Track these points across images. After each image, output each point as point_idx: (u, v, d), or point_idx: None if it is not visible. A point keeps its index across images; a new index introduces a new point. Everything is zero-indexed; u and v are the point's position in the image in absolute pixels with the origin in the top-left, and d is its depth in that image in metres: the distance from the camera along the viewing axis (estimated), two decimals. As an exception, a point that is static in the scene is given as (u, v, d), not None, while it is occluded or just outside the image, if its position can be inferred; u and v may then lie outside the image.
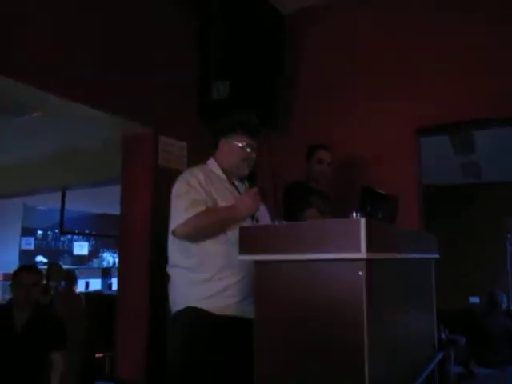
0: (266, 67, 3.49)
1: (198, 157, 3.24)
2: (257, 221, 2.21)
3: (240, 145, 2.28)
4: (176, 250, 2.25)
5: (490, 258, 7.36)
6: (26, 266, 3.31)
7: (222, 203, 2.20)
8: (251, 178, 2.29)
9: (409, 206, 3.14)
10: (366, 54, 3.63)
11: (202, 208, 2.10)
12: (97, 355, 4.63)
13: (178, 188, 2.21)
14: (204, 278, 2.14)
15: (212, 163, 2.37)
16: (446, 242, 3.16)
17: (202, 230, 2.12)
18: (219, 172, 2.33)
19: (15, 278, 3.01)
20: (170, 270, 2.29)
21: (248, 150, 2.29)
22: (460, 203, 7.50)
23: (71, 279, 5.73)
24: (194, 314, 2.11)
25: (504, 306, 5.06)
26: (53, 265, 6.69)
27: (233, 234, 2.08)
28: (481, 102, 3.17)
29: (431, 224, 3.52)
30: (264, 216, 2.39)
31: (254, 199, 2.13)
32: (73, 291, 5.63)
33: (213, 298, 2.11)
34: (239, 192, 2.32)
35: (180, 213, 2.11)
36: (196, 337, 2.09)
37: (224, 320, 2.10)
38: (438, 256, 2.49)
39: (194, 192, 2.15)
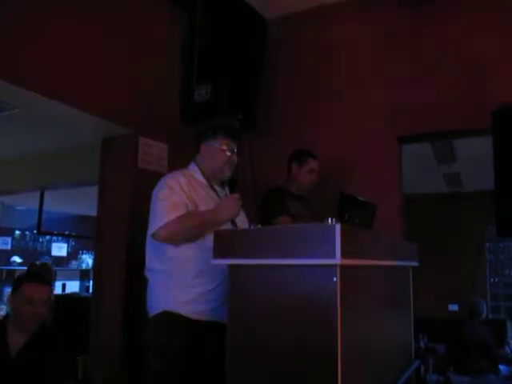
0: (248, 71, 3.48)
1: (178, 159, 3.23)
2: (236, 226, 2.20)
3: (221, 148, 2.29)
4: (153, 254, 2.25)
5: (469, 266, 7.41)
6: (35, 274, 2.64)
7: (202, 207, 2.20)
8: (232, 183, 2.29)
9: (390, 214, 3.14)
10: (346, 62, 3.64)
11: (182, 211, 2.10)
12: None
13: (159, 191, 2.20)
14: (180, 282, 2.14)
15: (193, 167, 2.37)
16: (426, 249, 3.17)
17: (182, 233, 2.12)
18: (200, 176, 2.33)
19: (20, 289, 2.32)
20: (147, 273, 2.29)
21: (229, 152, 2.30)
22: (441, 212, 7.56)
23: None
24: (170, 318, 2.11)
25: (483, 314, 5.10)
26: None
27: (210, 239, 2.06)
28: (460, 111, 3.18)
29: (412, 232, 3.53)
30: (243, 221, 2.38)
31: (236, 203, 2.13)
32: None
33: (189, 303, 2.11)
34: (219, 197, 2.32)
35: (160, 216, 2.10)
36: (172, 340, 2.09)
37: (200, 325, 2.10)
38: (416, 264, 2.49)
39: (174, 195, 2.14)
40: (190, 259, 2.14)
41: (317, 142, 3.38)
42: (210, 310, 2.11)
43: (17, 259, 8.89)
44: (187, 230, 2.11)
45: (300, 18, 3.85)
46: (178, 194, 2.15)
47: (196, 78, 3.39)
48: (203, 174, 2.33)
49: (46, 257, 9.58)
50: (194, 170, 2.35)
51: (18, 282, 2.39)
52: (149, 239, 2.23)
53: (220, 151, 2.29)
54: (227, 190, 2.37)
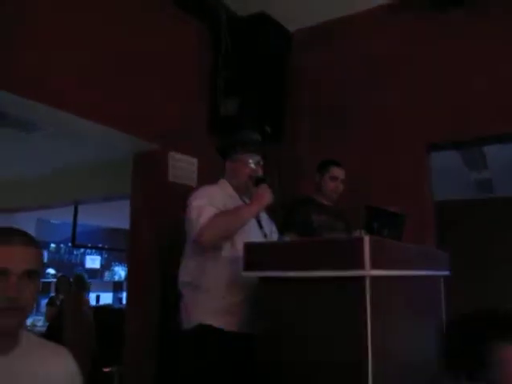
0: (274, 83, 3.51)
1: (208, 172, 3.29)
2: (265, 236, 2.25)
3: (244, 163, 2.36)
4: (184, 267, 2.30)
5: (506, 276, 7.24)
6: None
7: None
8: (259, 180, 2.32)
9: (421, 223, 3.12)
10: (373, 71, 3.63)
11: (214, 212, 2.13)
12: (104, 370, 4.62)
13: (192, 200, 2.24)
14: (212, 295, 2.17)
15: (223, 182, 2.43)
16: (459, 257, 3.12)
17: (221, 229, 2.14)
18: (231, 190, 2.39)
19: None
20: (180, 287, 2.33)
21: (252, 166, 2.34)
22: (474, 218, 7.41)
23: (79, 284, 5.72)
24: (204, 331, 2.14)
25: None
26: (61, 277, 6.74)
27: (240, 251, 2.10)
28: (491, 117, 3.15)
29: (446, 240, 3.48)
30: (271, 232, 2.42)
31: (266, 191, 2.22)
32: (81, 295, 5.64)
33: (221, 315, 2.14)
34: None
35: (196, 221, 2.12)
36: (206, 353, 2.11)
37: (233, 336, 2.12)
38: (448, 273, 2.47)
39: (207, 201, 2.19)
40: (220, 271, 2.17)
41: (344, 155, 3.37)
42: (242, 322, 2.12)
43: (51, 271, 9.10)
44: (225, 225, 2.14)
45: (326, 31, 3.86)
46: (212, 200, 2.20)
47: (223, 92, 3.44)
48: (233, 188, 2.40)
49: (80, 268, 9.77)
50: (224, 184, 2.41)
51: None
52: (186, 250, 2.29)
53: (243, 166, 2.36)
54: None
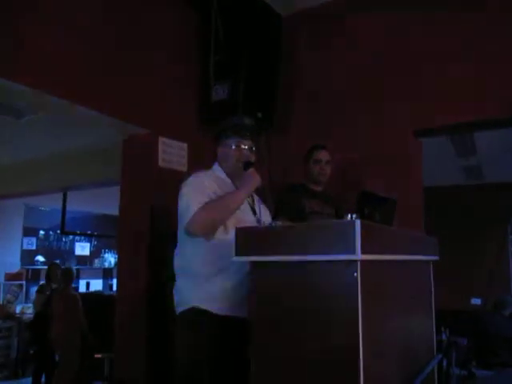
0: (265, 68, 3.49)
1: (198, 157, 3.28)
2: (259, 221, 2.24)
3: (232, 147, 2.32)
4: (179, 253, 2.31)
5: (492, 260, 7.34)
6: None
7: None
8: (247, 164, 2.29)
9: (410, 208, 3.14)
10: (364, 56, 3.62)
11: (207, 199, 2.13)
12: (96, 356, 4.63)
13: (184, 187, 2.23)
14: (205, 279, 2.17)
15: (216, 168, 2.41)
16: (448, 243, 3.15)
17: (213, 217, 2.13)
18: (223, 176, 2.37)
19: None
20: (175, 271, 2.33)
21: (243, 150, 2.32)
22: (462, 204, 7.48)
23: (67, 278, 5.73)
24: (198, 314, 2.15)
25: (509, 310, 5.05)
26: (52, 265, 6.71)
27: (232, 235, 2.10)
28: (481, 103, 3.16)
29: (433, 225, 3.51)
30: (266, 216, 2.41)
31: (254, 174, 2.22)
32: (68, 290, 5.64)
33: (214, 299, 2.15)
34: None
35: (188, 210, 2.12)
36: (200, 335, 2.12)
37: (227, 320, 2.13)
38: (437, 258, 2.49)
39: (199, 188, 2.18)
40: (213, 256, 2.17)
41: (334, 140, 3.38)
42: (235, 306, 2.13)
43: (40, 258, 9.04)
44: (215, 213, 2.14)
45: (317, 15, 3.83)
46: (202, 188, 2.19)
47: (213, 77, 3.42)
48: (226, 174, 2.37)
49: (71, 259, 9.71)
50: (217, 170, 2.39)
51: None
52: (179, 235, 2.29)
53: (231, 150, 2.32)
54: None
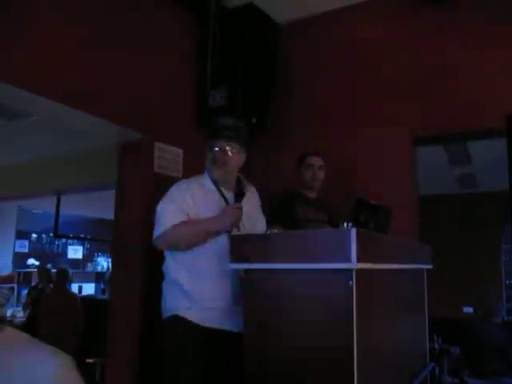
0: (262, 75, 3.50)
1: (194, 164, 3.26)
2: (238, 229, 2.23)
3: (207, 148, 2.31)
4: (166, 261, 2.34)
5: (484, 269, 7.37)
6: None
7: (207, 214, 2.22)
8: (239, 194, 2.29)
9: (404, 216, 3.14)
10: (362, 64, 3.63)
11: (180, 220, 2.16)
12: (87, 360, 4.59)
13: (161, 200, 2.27)
14: (186, 289, 2.19)
15: (205, 174, 2.39)
16: (441, 251, 3.17)
17: (178, 241, 2.20)
18: (209, 183, 2.33)
19: None
20: (164, 279, 2.35)
21: (213, 151, 2.28)
22: (456, 213, 7.52)
23: (63, 277, 5.72)
24: (177, 322, 2.18)
25: (501, 317, 5.07)
26: (41, 269, 6.79)
27: (212, 246, 2.13)
28: (476, 113, 3.18)
29: (427, 234, 3.52)
30: (257, 223, 2.40)
31: (236, 212, 2.17)
32: (66, 289, 5.65)
33: (194, 309, 2.16)
34: (228, 203, 2.31)
35: (158, 225, 2.20)
36: (180, 342, 2.16)
37: (204, 331, 2.14)
38: (430, 266, 2.50)
39: (173, 204, 2.21)
40: (193, 266, 2.20)
41: (330, 147, 3.40)
42: (214, 317, 2.15)
43: (34, 262, 9.00)
44: (182, 239, 2.19)
45: (315, 23, 3.85)
46: (177, 204, 2.20)
47: (210, 83, 3.42)
48: (213, 181, 2.34)
49: (64, 258, 9.65)
50: (205, 176, 2.37)
51: None
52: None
53: (207, 152, 2.31)
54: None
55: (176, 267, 2.24)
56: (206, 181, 2.34)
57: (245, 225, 2.27)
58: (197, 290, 2.17)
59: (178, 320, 2.17)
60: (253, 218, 2.39)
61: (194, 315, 2.15)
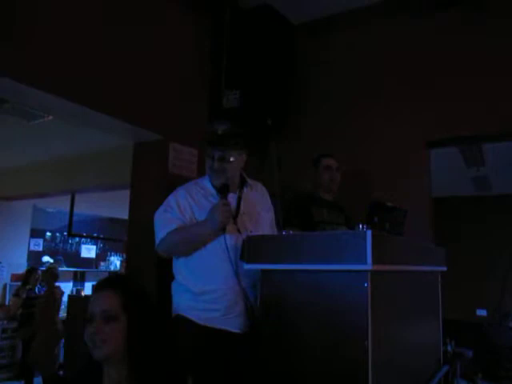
0: (277, 76, 3.50)
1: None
2: (239, 232, 2.19)
3: (207, 157, 2.29)
4: (173, 262, 2.36)
5: (498, 271, 7.30)
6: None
7: (201, 217, 2.21)
8: (222, 189, 2.18)
9: (419, 218, 3.13)
10: (377, 66, 3.63)
11: (174, 226, 2.18)
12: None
13: (157, 211, 2.31)
14: (190, 289, 2.21)
15: (205, 178, 2.38)
16: (455, 254, 3.15)
17: (174, 248, 2.24)
18: (209, 186, 2.32)
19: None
20: (174, 279, 2.38)
21: (212, 160, 2.25)
22: (470, 216, 7.46)
23: (51, 278, 5.74)
24: (181, 322, 2.19)
25: (515, 321, 5.03)
26: (30, 269, 6.80)
27: (215, 246, 2.14)
28: (491, 116, 3.16)
29: (442, 236, 3.51)
30: (260, 219, 2.36)
31: (221, 212, 2.07)
32: (55, 292, 5.68)
33: (198, 310, 2.17)
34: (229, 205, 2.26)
35: (156, 234, 2.24)
36: (182, 342, 2.15)
37: (207, 331, 2.14)
38: (445, 269, 2.48)
39: (169, 211, 2.24)
40: (197, 267, 2.20)
41: (344, 150, 3.39)
42: (218, 317, 2.14)
43: (49, 259, 9.08)
44: (177, 246, 2.21)
45: (329, 24, 3.85)
46: (172, 211, 2.22)
47: (225, 83, 3.43)
48: (212, 184, 2.31)
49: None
50: (204, 181, 2.36)
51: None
52: None
53: (206, 160, 2.30)
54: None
55: (181, 268, 2.27)
56: (207, 184, 2.33)
57: (244, 220, 2.25)
58: (200, 290, 2.17)
59: (181, 319, 2.19)
60: (254, 214, 2.33)
61: (196, 315, 2.16)
